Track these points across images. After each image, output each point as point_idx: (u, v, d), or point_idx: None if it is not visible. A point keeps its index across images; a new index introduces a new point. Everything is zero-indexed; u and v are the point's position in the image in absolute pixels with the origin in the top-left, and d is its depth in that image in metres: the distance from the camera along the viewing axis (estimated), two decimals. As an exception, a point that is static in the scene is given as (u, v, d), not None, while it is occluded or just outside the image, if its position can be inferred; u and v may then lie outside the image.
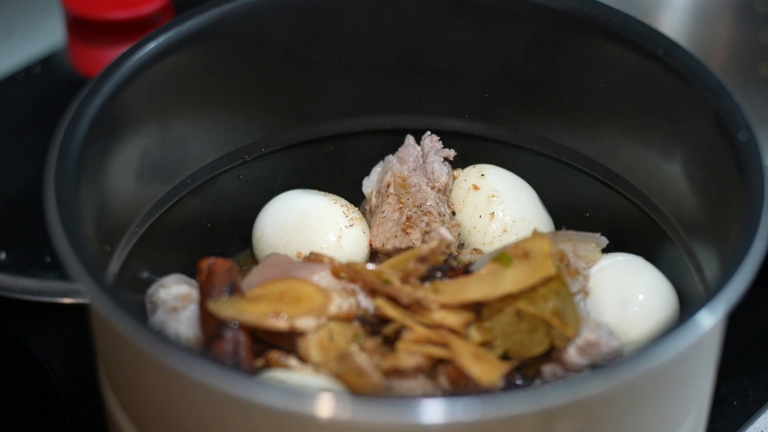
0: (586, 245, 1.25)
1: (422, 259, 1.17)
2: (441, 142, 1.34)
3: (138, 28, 1.71)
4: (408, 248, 1.26)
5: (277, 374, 1.11)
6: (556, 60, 1.29)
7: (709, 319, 1.01)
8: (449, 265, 1.20)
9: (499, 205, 1.30)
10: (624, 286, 1.22)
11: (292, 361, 1.13)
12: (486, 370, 1.09)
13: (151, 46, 1.21)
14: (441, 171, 1.31)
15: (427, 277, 1.18)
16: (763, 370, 1.43)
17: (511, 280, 1.14)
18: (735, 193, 1.11)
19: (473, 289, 1.15)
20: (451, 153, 1.34)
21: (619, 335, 1.18)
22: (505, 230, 1.29)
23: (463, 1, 1.29)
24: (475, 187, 1.31)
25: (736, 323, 1.28)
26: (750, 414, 1.39)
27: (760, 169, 1.10)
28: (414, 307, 1.14)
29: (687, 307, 1.21)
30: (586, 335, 1.15)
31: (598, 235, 1.26)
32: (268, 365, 1.14)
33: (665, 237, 1.27)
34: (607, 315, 1.20)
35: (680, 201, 1.24)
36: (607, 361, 1.15)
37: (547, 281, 1.14)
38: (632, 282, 1.22)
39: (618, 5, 1.27)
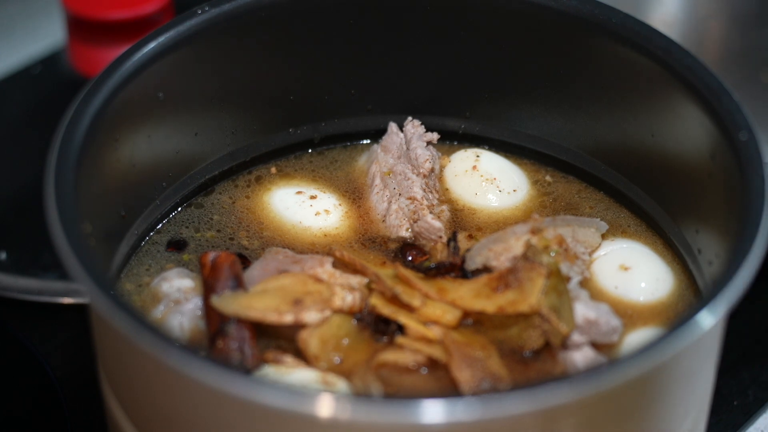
0: (585, 230, 1.25)
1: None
2: (423, 126, 1.34)
3: (138, 28, 1.71)
4: (398, 238, 1.26)
5: (272, 371, 1.11)
6: (555, 60, 1.29)
7: (709, 319, 1.01)
8: (446, 261, 1.20)
9: (492, 184, 1.31)
10: (625, 271, 1.22)
11: (288, 359, 1.13)
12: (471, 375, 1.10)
13: (151, 46, 1.21)
14: (425, 156, 1.31)
15: (424, 271, 1.19)
16: (763, 370, 1.43)
17: (494, 302, 1.14)
18: (735, 193, 1.11)
19: (467, 299, 1.15)
20: (434, 136, 1.33)
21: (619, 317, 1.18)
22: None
23: (464, 0, 1.29)
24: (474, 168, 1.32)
25: (736, 323, 1.28)
26: (750, 414, 1.39)
27: (760, 169, 1.10)
28: (409, 306, 1.15)
29: (686, 305, 1.21)
30: (585, 314, 1.15)
31: (598, 220, 1.26)
32: (264, 362, 1.14)
33: (664, 237, 1.27)
34: (607, 298, 1.21)
35: (679, 200, 1.24)
36: (606, 338, 1.16)
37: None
38: (633, 268, 1.23)
39: (618, 5, 1.27)
